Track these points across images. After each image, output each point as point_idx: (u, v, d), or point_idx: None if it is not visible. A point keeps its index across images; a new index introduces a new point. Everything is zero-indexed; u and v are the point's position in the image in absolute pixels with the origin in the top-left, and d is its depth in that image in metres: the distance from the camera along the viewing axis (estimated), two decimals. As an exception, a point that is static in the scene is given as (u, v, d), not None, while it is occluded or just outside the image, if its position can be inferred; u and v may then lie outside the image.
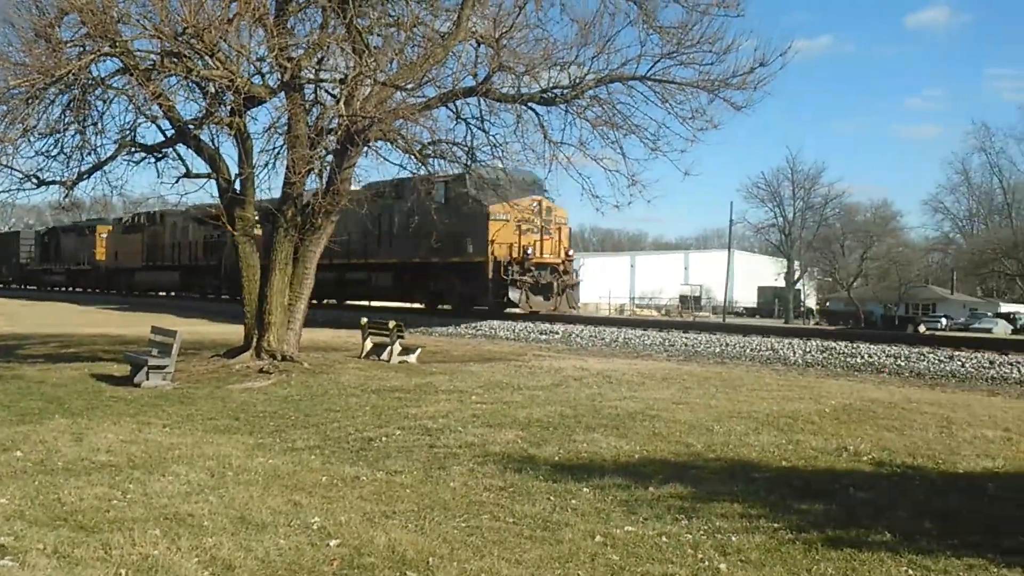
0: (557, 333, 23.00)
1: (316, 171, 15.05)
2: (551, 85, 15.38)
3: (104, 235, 52.44)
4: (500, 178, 18.61)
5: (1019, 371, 14.57)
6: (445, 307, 29.39)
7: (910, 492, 6.70)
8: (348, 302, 34.17)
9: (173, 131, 15.20)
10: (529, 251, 25.54)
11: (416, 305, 31.24)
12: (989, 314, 58.45)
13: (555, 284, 26.00)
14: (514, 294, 25.35)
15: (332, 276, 30.60)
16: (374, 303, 33.78)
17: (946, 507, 6.28)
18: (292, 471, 7.49)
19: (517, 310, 26.65)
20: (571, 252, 27.56)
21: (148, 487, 6.72)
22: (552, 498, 6.63)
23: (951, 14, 79.43)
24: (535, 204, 25.81)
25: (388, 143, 15.06)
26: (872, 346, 17.41)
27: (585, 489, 6.84)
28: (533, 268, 25.58)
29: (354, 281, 32.83)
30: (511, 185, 20.48)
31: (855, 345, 17.67)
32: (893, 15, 79.54)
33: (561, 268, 26.39)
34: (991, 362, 15.26)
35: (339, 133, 14.46)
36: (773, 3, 72.15)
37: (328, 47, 14.70)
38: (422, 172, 15.85)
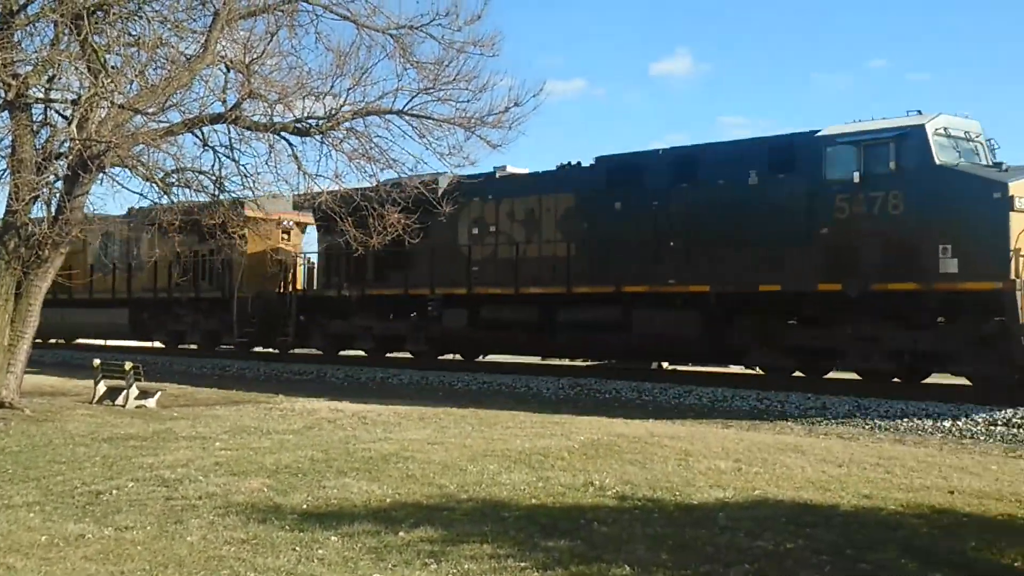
0: (311, 373, 22.47)
1: (44, 199, 13.94)
2: (306, 115, 15.09)
3: None
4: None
5: (748, 404, 15.68)
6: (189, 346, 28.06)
7: (650, 524, 6.95)
8: (79, 340, 32.41)
9: None
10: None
11: (157, 344, 29.83)
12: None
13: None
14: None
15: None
16: (109, 342, 32.11)
17: (682, 538, 6.55)
18: (7, 531, 6.78)
19: (271, 349, 26.08)
20: None
21: None
22: (298, 549, 6.36)
23: (692, 64, 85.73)
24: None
25: (127, 170, 14.22)
26: (620, 382, 18.18)
27: (333, 537, 6.61)
28: None
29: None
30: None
31: (605, 381, 18.39)
32: (639, 63, 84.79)
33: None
34: (724, 396, 16.33)
35: (70, 158, 13.46)
36: (528, 45, 74.96)
37: (59, 65, 13.70)
38: (164, 201, 15.04)
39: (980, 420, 13.22)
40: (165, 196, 14.76)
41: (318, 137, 15.07)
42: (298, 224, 26.37)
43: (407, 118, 15.20)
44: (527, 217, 19.99)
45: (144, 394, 15.57)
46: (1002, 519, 7.32)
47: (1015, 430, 12.61)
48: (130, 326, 28.50)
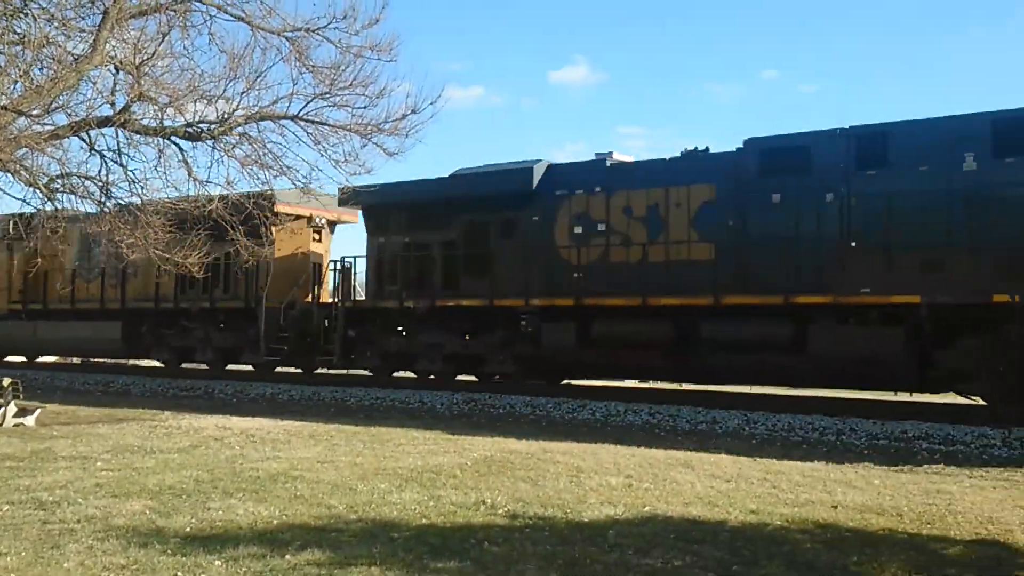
0: (199, 389, 21.82)
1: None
2: (197, 119, 14.62)
3: None
4: None
5: (641, 418, 15.85)
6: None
7: (540, 543, 6.91)
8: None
9: None
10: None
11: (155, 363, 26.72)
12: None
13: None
14: None
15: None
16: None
17: (572, 557, 6.53)
18: None
19: (156, 363, 25.27)
20: None
21: None
22: (180, 574, 6.10)
23: (588, 73, 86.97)
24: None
25: (9, 174, 13.58)
26: (514, 397, 18.18)
27: (217, 562, 6.37)
28: None
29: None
30: None
31: (499, 396, 18.37)
32: (538, 71, 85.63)
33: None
34: (617, 411, 16.47)
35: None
36: (427, 50, 74.95)
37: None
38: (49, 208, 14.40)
39: (864, 435, 13.64)
40: (49, 203, 14.10)
41: (210, 142, 14.64)
42: (329, 223, 23.58)
43: (302, 124, 14.85)
44: (649, 213, 17.15)
45: (23, 412, 14.85)
46: (883, 533, 7.52)
47: (897, 443, 13.06)
48: (123, 341, 24.34)
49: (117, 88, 14.00)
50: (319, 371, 22.92)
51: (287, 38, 14.52)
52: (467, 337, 19.54)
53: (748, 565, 6.43)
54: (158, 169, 14.46)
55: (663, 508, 8.32)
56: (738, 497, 8.87)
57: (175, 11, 14.10)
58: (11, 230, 24.21)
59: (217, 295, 22.68)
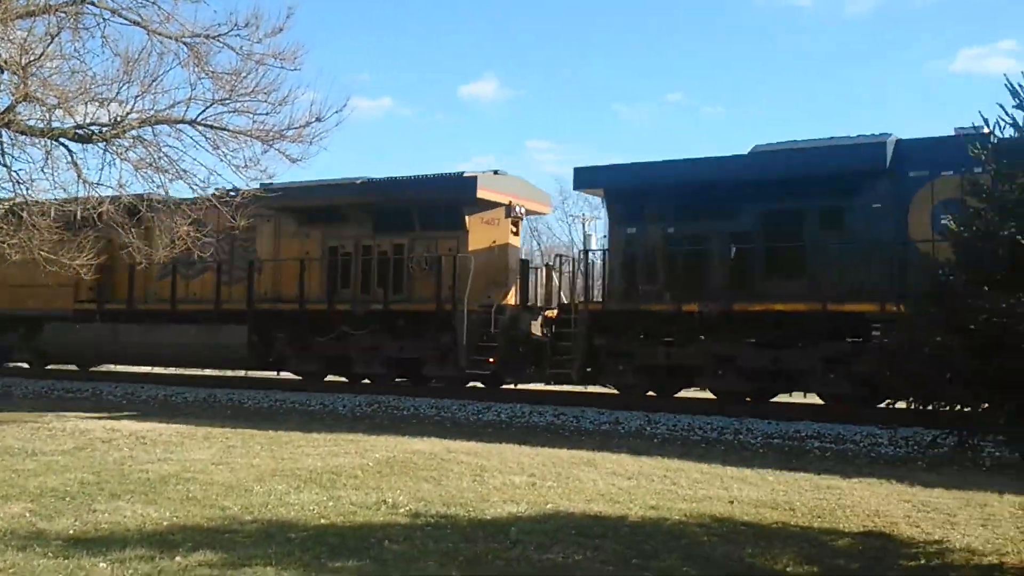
0: (86, 391, 21.04)
1: None
2: (88, 121, 14.13)
3: None
4: None
5: (545, 419, 15.90)
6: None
7: (442, 541, 6.84)
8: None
9: None
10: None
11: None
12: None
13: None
14: None
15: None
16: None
17: (474, 553, 6.48)
18: None
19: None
20: None
21: None
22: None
23: (498, 88, 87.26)
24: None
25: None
26: (418, 399, 18.03)
27: (103, 564, 6.11)
28: None
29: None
30: None
31: (402, 398, 18.18)
32: (448, 84, 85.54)
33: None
34: (522, 412, 16.49)
35: None
36: (335, 61, 74.05)
37: None
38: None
39: (759, 434, 13.95)
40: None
41: (101, 144, 14.17)
42: (528, 213, 20.35)
43: (200, 128, 14.52)
44: None
45: None
46: (776, 526, 7.67)
47: (791, 442, 13.40)
48: (250, 349, 20.02)
49: (2, 88, 13.50)
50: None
51: (185, 43, 14.17)
52: (770, 348, 15.55)
53: (647, 558, 6.48)
54: (45, 170, 13.95)
55: (566, 505, 8.33)
56: (639, 494, 8.95)
57: (66, 13, 13.62)
58: (78, 216, 20.84)
59: (376, 294, 19.29)
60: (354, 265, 19.75)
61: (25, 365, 25.25)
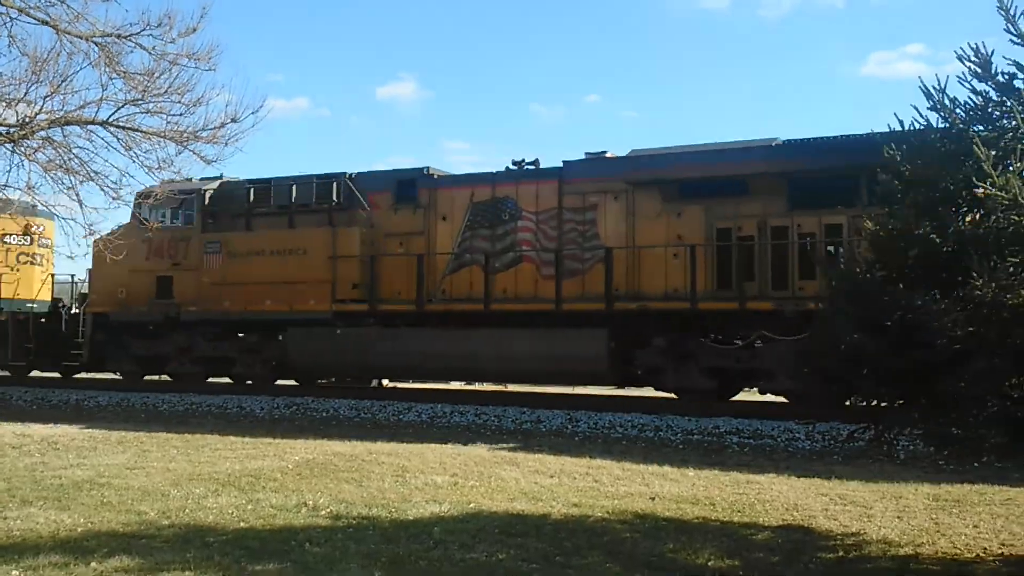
0: (-5, 396, 20.34)
1: None
2: (-6, 122, 13.67)
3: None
4: None
5: (467, 419, 15.88)
6: None
7: (364, 542, 6.77)
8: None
9: None
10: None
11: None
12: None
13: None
14: None
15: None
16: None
17: (396, 554, 6.44)
18: None
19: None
20: None
21: None
22: (-33, 587, 5.65)
23: (415, 90, 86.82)
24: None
25: None
26: (338, 400, 17.84)
27: (15, 572, 5.93)
28: None
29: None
30: None
31: (322, 400, 17.98)
32: (366, 85, 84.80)
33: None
34: (444, 412, 16.45)
35: None
36: (251, 61, 72.86)
37: None
38: None
39: (679, 431, 14.15)
40: None
41: (9, 146, 13.73)
42: None
43: (112, 129, 14.15)
44: None
45: None
46: (698, 521, 7.79)
47: (710, 438, 13.62)
48: (609, 360, 16.10)
49: None
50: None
51: (96, 43, 13.79)
52: None
53: (569, 555, 6.51)
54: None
55: (488, 504, 8.33)
56: (561, 492, 9.00)
57: (-30, 13, 13.15)
58: (336, 196, 18.75)
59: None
60: (760, 251, 15.73)
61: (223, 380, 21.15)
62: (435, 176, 18.72)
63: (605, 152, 17.42)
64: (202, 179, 20.22)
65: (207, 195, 20.25)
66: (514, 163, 18.06)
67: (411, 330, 18.00)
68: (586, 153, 17.55)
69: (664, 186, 16.47)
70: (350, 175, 19.24)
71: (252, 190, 19.84)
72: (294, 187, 19.38)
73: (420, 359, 17.76)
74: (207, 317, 19.61)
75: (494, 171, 18.31)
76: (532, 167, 17.86)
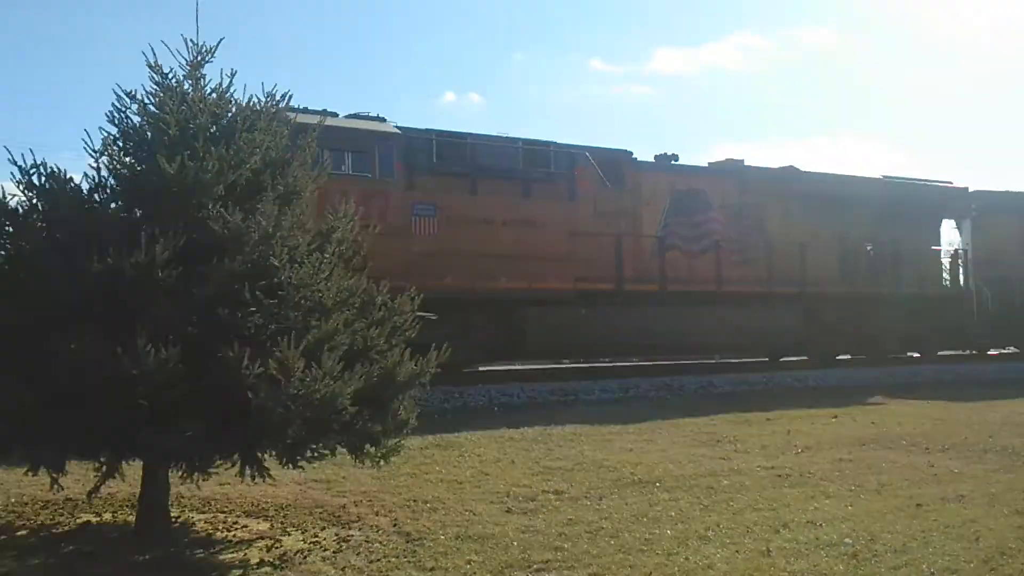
0: None
1: None
2: None
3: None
4: None
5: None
6: None
7: None
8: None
9: None
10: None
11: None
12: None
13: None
14: None
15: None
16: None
17: None
18: None
19: None
20: None
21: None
22: None
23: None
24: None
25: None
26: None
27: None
28: None
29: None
30: None
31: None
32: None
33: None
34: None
35: None
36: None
37: None
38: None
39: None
40: None
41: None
42: None
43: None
44: None
45: None
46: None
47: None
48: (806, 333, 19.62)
49: None
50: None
51: None
52: None
53: None
54: None
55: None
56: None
57: None
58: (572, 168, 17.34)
59: None
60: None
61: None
62: (639, 161, 18.94)
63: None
64: (356, 117, 16.15)
65: (409, 141, 16.29)
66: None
67: (653, 309, 18.27)
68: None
69: (808, 199, 20.46)
70: (588, 148, 17.89)
71: (472, 145, 16.76)
72: (526, 152, 17.18)
73: (662, 336, 18.46)
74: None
75: (691, 164, 20.49)
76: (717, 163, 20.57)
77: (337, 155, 14.42)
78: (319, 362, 5.80)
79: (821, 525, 6.95)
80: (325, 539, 6.61)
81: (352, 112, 16.19)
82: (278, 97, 6.74)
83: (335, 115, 15.41)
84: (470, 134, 17.03)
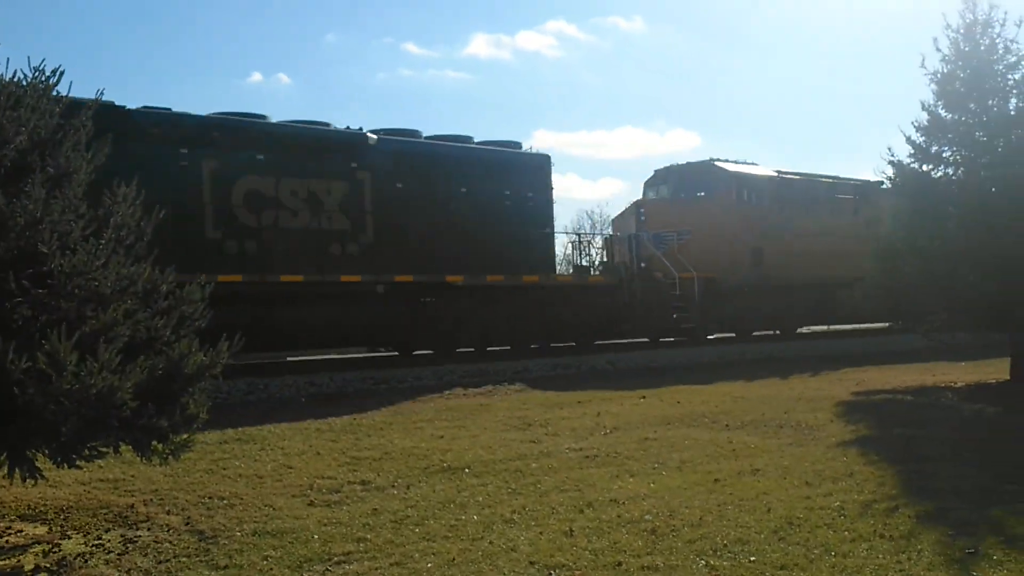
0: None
1: None
2: None
3: None
4: None
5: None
6: None
7: None
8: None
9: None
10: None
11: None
12: None
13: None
14: None
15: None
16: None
17: None
18: None
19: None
20: None
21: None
22: None
23: None
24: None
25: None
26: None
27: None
28: None
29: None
30: None
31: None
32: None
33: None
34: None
35: None
36: None
37: None
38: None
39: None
40: None
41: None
42: None
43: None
44: None
45: None
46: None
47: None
48: None
49: None
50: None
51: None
52: None
53: None
54: None
55: None
56: None
57: None
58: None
59: None
60: None
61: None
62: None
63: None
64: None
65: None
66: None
67: None
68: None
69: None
70: None
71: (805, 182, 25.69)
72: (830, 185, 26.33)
73: None
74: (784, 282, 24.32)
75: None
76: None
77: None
78: (96, 355, 5.42)
79: (623, 503, 7.13)
80: (110, 541, 6.28)
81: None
82: (47, 73, 6.25)
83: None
84: (797, 172, 26.23)
